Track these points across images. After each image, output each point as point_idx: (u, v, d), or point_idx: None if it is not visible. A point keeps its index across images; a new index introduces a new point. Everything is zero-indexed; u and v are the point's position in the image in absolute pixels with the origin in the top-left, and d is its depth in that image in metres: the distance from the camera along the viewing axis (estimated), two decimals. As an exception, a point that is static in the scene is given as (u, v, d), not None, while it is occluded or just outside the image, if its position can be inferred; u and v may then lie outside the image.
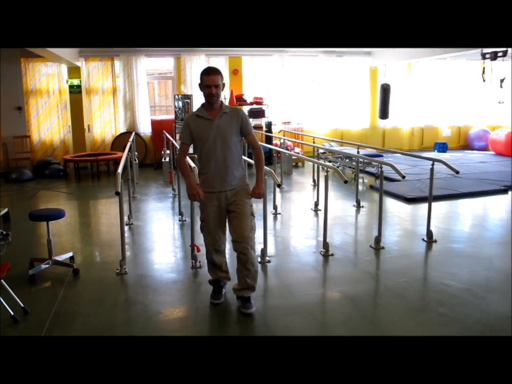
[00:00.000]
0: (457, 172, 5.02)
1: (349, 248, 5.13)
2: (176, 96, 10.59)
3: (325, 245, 4.75)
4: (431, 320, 3.41)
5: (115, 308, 3.66)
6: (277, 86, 11.52)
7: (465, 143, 13.41)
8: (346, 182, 4.42)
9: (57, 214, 4.27)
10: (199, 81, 3.36)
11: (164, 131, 9.28)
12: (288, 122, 11.69)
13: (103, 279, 4.19)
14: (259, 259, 4.42)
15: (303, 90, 11.95)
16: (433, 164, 5.09)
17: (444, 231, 5.59)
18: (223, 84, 3.38)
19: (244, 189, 3.50)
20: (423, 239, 5.20)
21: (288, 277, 4.28)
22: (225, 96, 10.70)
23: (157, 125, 10.82)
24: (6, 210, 6.03)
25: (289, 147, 10.43)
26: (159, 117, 11.48)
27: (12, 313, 3.36)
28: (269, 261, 4.53)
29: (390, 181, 8.49)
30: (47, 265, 4.27)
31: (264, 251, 4.55)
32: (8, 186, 9.02)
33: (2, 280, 3.45)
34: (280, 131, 11.19)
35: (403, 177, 4.79)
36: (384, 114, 11.70)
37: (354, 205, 6.82)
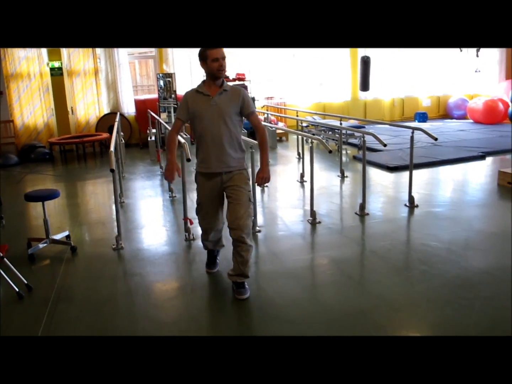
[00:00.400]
0: (436, 139, 5.23)
1: (335, 216, 5.34)
2: (159, 75, 10.60)
3: (312, 213, 4.95)
4: (414, 277, 3.65)
5: (115, 280, 3.83)
6: (258, 62, 11.60)
7: (445, 113, 13.66)
8: (330, 152, 4.60)
9: (52, 194, 4.40)
10: (200, 59, 3.18)
11: (148, 110, 9.33)
12: (271, 97, 11.80)
13: (100, 255, 4.35)
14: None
15: (284, 64, 12.02)
16: (412, 133, 5.30)
17: (425, 197, 5.83)
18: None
19: (241, 173, 3.34)
20: (405, 205, 5.43)
21: (277, 245, 4.49)
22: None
23: (141, 105, 10.85)
24: (-3, 194, 6.11)
25: (272, 122, 10.56)
26: (142, 96, 11.49)
27: (17, 290, 3.51)
28: (259, 231, 4.72)
29: (372, 151, 8.71)
30: (45, 244, 4.41)
31: (253, 222, 4.73)
32: (-6, 171, 9.04)
33: (5, 259, 3.60)
34: (263, 106, 11.30)
35: (385, 145, 4.98)
36: (364, 86, 11.83)
37: (338, 176, 7.03)
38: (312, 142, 4.96)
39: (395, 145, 9.22)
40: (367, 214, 5.16)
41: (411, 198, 5.41)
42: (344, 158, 8.28)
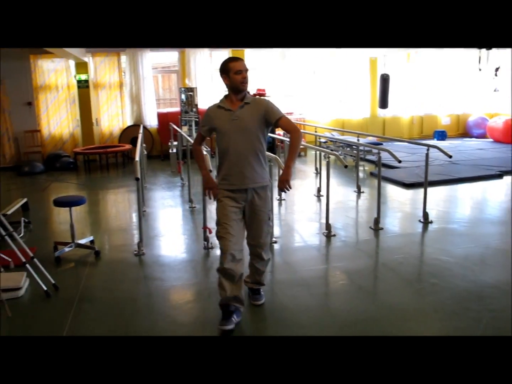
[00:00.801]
0: (450, 157, 5.35)
1: (350, 229, 5.47)
2: (181, 89, 10.90)
3: (327, 226, 5.09)
4: (424, 290, 3.76)
5: (136, 283, 4.02)
6: (279, 78, 11.83)
7: (464, 131, 13.67)
8: (346, 167, 4.75)
9: (79, 201, 4.63)
10: (222, 73, 3.13)
11: (170, 123, 9.60)
12: (291, 113, 11.99)
13: (123, 260, 4.55)
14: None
15: (304, 81, 12.22)
16: (428, 150, 5.42)
17: (440, 213, 5.92)
18: None
19: (265, 191, 3.24)
20: (419, 221, 5.53)
21: (292, 255, 4.64)
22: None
23: (163, 118, 11.13)
24: (25, 200, 6.38)
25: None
26: (165, 109, 11.79)
27: (45, 289, 3.72)
28: (275, 242, 4.87)
29: (389, 168, 8.83)
30: (71, 248, 4.63)
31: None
32: (21, 179, 9.38)
33: (35, 259, 3.81)
34: (283, 121, 11.49)
35: (399, 161, 5.12)
36: (383, 103, 11.95)
37: (355, 191, 7.15)
38: (328, 158, 5.12)
39: (412, 162, 9.31)
40: (381, 228, 5.27)
41: (425, 214, 5.51)
42: (361, 174, 8.42)
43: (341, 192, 7.27)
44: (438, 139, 12.87)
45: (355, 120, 12.77)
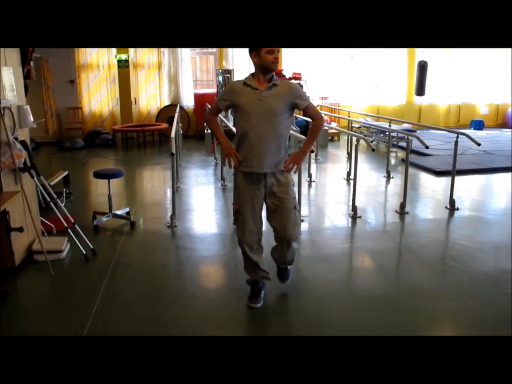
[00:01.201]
0: (479, 144, 5.38)
1: (376, 212, 5.59)
2: (218, 71, 11.08)
3: (354, 208, 5.22)
4: (443, 271, 3.88)
5: (168, 252, 4.29)
6: (315, 62, 11.87)
7: (503, 122, 13.42)
8: (373, 150, 4.87)
9: (118, 173, 4.92)
10: (252, 50, 2.95)
11: (206, 103, 9.81)
12: (326, 98, 12.04)
13: (156, 231, 4.83)
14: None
15: (341, 66, 12.21)
16: (457, 137, 5.45)
17: (467, 201, 5.96)
18: None
19: (286, 177, 3.10)
20: (446, 207, 5.60)
21: (318, 234, 4.81)
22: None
23: (199, 99, 11.36)
24: (66, 172, 6.73)
25: (326, 122, 10.81)
26: (201, 90, 12.01)
27: (85, 252, 4.02)
28: (302, 220, 5.03)
29: (422, 156, 8.84)
30: (108, 218, 4.92)
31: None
32: (62, 153, 9.81)
33: (76, 225, 4.11)
34: (317, 105, 11.56)
35: (427, 147, 5.19)
36: (420, 91, 11.84)
37: (384, 176, 7.23)
38: (358, 141, 5.23)
39: (445, 151, 9.27)
40: (407, 213, 5.37)
41: (452, 201, 5.56)
42: (393, 161, 8.47)
43: (371, 177, 7.37)
44: (475, 129, 12.69)
45: (390, 106, 12.71)
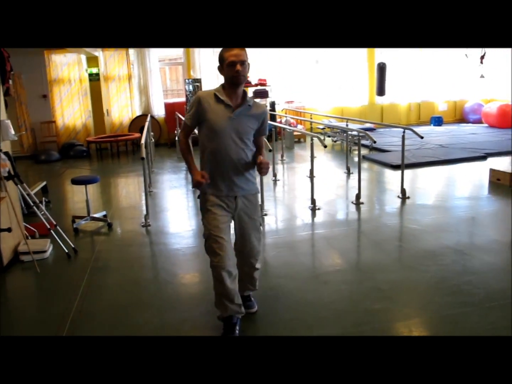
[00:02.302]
0: (421, 138, 5.96)
1: (334, 204, 6.10)
2: (187, 80, 11.54)
3: (313, 201, 5.72)
4: (389, 250, 4.39)
5: (143, 247, 4.73)
6: (280, 67, 12.40)
7: (461, 117, 14.15)
8: (325, 146, 5.37)
9: (94, 179, 5.35)
10: (218, 60, 2.79)
11: (176, 112, 10.24)
12: (291, 101, 12.58)
13: (131, 230, 5.26)
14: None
15: (304, 70, 12.75)
16: (404, 132, 6.04)
17: (418, 190, 6.54)
18: (248, 64, 2.78)
19: (255, 197, 3.02)
20: (398, 196, 6.14)
21: (279, 224, 5.29)
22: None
23: (170, 108, 11.78)
24: (44, 183, 7.08)
25: (292, 125, 11.33)
26: (171, 100, 12.44)
27: (67, 251, 4.42)
28: (265, 214, 5.51)
29: (382, 152, 9.44)
30: (86, 221, 5.32)
31: (261, 207, 5.53)
32: (38, 166, 10.12)
33: (58, 227, 4.51)
34: (283, 109, 12.10)
35: (374, 142, 5.74)
36: (381, 91, 12.50)
37: (345, 172, 7.76)
38: (312, 140, 5.74)
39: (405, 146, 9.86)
40: (362, 203, 5.89)
41: (403, 191, 6.11)
42: (356, 158, 9.04)
43: (333, 173, 7.90)
44: (434, 125, 13.38)
45: (354, 107, 13.30)
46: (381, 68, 12.25)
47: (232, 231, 3.00)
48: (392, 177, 7.56)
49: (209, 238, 2.85)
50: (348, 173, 7.70)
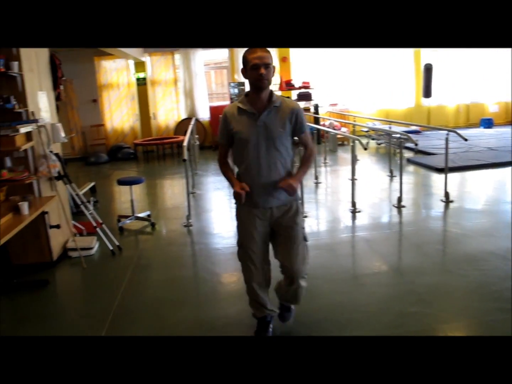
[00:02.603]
0: (466, 140, 5.82)
1: (376, 206, 6.06)
2: (231, 84, 11.71)
3: (353, 203, 5.70)
4: (428, 253, 4.33)
5: (184, 246, 4.87)
6: (324, 69, 12.38)
7: (514, 119, 13.65)
8: (365, 149, 5.35)
9: (138, 180, 5.54)
10: (242, 63, 2.61)
11: (220, 116, 10.39)
12: (335, 104, 12.53)
13: (174, 230, 5.43)
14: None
15: (350, 72, 12.66)
16: (447, 134, 5.92)
17: (463, 194, 6.40)
18: (274, 68, 2.60)
19: (294, 207, 2.77)
20: (441, 200, 6.03)
21: (319, 226, 5.31)
22: (274, 82, 11.74)
23: (214, 111, 11.98)
24: (93, 183, 7.37)
25: (336, 127, 11.29)
26: (216, 103, 12.65)
27: (111, 248, 4.60)
28: (305, 216, 5.53)
29: (427, 155, 9.27)
30: (131, 220, 5.52)
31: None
32: (88, 168, 10.54)
33: (103, 225, 4.71)
34: (326, 112, 12.07)
35: (416, 144, 5.67)
36: (427, 93, 12.27)
37: (388, 175, 7.68)
38: (354, 142, 5.73)
39: (451, 149, 9.62)
40: (404, 206, 5.82)
41: (446, 194, 6.00)
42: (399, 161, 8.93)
43: (376, 176, 7.84)
44: (484, 127, 12.98)
45: (399, 110, 13.10)
46: (428, 70, 12.02)
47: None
48: (436, 180, 7.42)
49: (241, 247, 2.83)
50: (391, 176, 7.61)
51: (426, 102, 13.18)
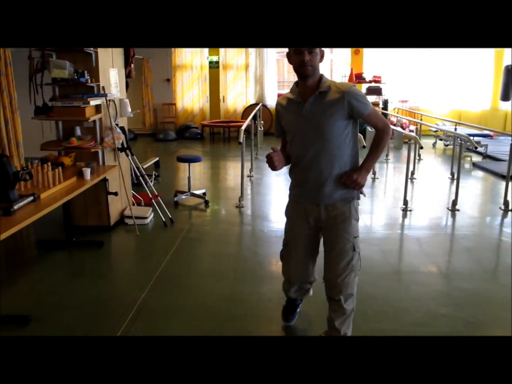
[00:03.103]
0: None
1: (428, 207, 5.98)
2: (301, 73, 11.76)
3: (405, 202, 5.67)
4: (472, 259, 4.27)
5: (232, 226, 5.09)
6: (397, 64, 12.13)
7: None
8: (421, 148, 5.30)
9: (196, 159, 5.81)
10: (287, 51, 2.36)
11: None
12: (405, 101, 12.26)
13: (225, 209, 5.67)
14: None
15: (424, 69, 12.32)
16: (513, 140, 5.72)
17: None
18: (322, 53, 2.32)
19: (347, 207, 2.44)
20: (500, 208, 5.85)
21: (368, 221, 5.34)
22: (344, 74, 11.68)
23: (282, 99, 12.10)
24: (157, 158, 7.76)
25: (404, 125, 11.08)
26: (285, 91, 12.75)
27: (164, 220, 4.90)
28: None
29: (496, 160, 8.94)
30: (187, 196, 5.81)
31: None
32: (156, 144, 11.04)
33: (160, 199, 5.01)
34: (394, 108, 11.85)
35: (475, 147, 5.52)
36: (506, 96, 11.70)
37: (448, 177, 7.51)
38: (409, 141, 5.68)
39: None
40: (458, 210, 5.71)
41: (506, 202, 5.81)
42: (467, 165, 8.72)
43: (437, 178, 7.68)
44: None
45: (473, 112, 12.61)
46: (509, 71, 11.46)
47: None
48: (499, 187, 7.17)
49: (285, 246, 2.68)
50: (452, 178, 7.44)
51: (503, 105, 12.60)
